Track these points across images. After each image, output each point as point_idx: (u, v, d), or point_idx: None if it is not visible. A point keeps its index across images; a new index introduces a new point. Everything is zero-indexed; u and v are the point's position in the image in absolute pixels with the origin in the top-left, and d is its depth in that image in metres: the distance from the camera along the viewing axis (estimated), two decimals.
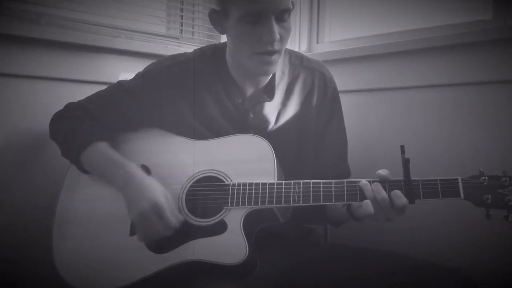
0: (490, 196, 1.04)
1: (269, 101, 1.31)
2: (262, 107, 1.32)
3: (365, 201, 1.08)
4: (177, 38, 1.96)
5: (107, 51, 1.64)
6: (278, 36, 1.16)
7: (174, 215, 1.16)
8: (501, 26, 1.52)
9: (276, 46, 1.19)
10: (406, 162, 1.06)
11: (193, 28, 2.01)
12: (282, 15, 1.17)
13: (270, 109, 1.33)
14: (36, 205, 1.48)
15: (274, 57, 1.20)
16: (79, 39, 1.58)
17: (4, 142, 1.47)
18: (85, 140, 1.27)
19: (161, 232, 1.15)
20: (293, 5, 1.20)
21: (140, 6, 1.83)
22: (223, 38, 1.54)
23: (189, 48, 1.51)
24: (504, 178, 1.04)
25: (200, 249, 1.14)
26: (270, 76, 1.32)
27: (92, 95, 1.39)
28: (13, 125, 1.49)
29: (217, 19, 1.24)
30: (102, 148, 1.27)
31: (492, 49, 1.49)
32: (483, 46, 1.51)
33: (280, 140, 1.28)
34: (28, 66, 1.50)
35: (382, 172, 1.09)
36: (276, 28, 1.16)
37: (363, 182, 1.09)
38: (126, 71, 1.64)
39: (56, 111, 1.39)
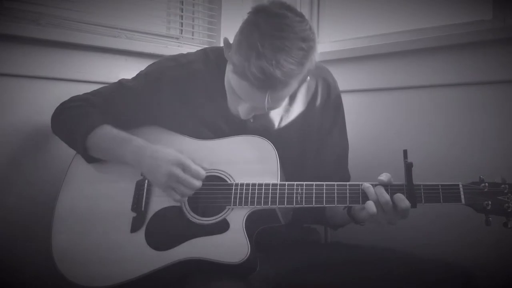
0: (490, 203, 1.06)
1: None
2: (263, 113, 1.31)
3: (368, 201, 1.08)
4: (177, 38, 1.96)
5: (107, 51, 1.64)
6: (269, 108, 1.15)
7: (198, 166, 1.16)
8: (501, 26, 1.52)
9: (267, 110, 1.17)
10: (408, 167, 1.07)
11: (193, 28, 2.01)
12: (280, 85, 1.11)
13: (273, 114, 1.32)
14: (36, 203, 1.48)
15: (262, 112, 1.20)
16: (79, 39, 1.58)
17: (4, 142, 1.47)
18: (90, 124, 1.27)
19: (195, 184, 1.15)
20: (305, 79, 1.17)
21: (140, 6, 1.83)
22: (223, 37, 1.53)
23: (188, 49, 1.52)
24: (503, 186, 1.07)
25: (202, 248, 1.14)
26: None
27: (93, 91, 1.39)
28: (13, 125, 1.49)
29: (227, 49, 1.20)
30: (106, 130, 1.27)
31: (492, 49, 1.49)
32: (483, 46, 1.51)
33: (281, 145, 1.27)
34: (28, 66, 1.49)
35: (384, 178, 1.10)
36: (268, 102, 1.11)
37: (366, 184, 1.09)
38: (126, 71, 1.64)
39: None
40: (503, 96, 1.49)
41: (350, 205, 1.13)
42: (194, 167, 1.16)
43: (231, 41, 1.18)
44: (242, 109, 1.17)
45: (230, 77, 1.15)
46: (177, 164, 1.15)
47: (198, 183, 1.16)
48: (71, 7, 1.65)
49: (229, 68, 1.16)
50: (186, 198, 1.20)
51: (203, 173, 1.16)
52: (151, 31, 1.87)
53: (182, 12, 1.99)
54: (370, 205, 1.07)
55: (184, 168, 1.15)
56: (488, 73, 1.51)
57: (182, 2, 1.98)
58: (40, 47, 1.51)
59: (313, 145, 1.36)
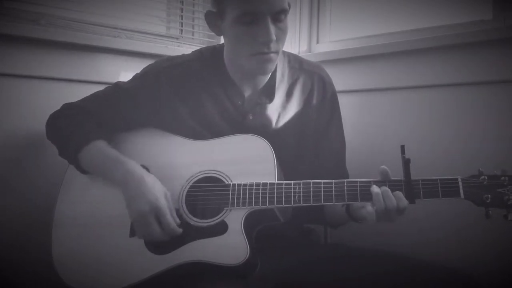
0: (489, 196, 1.05)
1: (269, 103, 1.31)
2: (261, 109, 1.32)
3: (369, 209, 1.08)
4: (177, 38, 1.96)
5: (107, 51, 1.64)
6: (274, 37, 1.16)
7: (174, 219, 1.16)
8: (501, 26, 1.52)
9: (273, 47, 1.18)
10: (406, 162, 1.07)
11: (193, 28, 2.01)
12: (278, 16, 1.16)
13: (270, 112, 1.32)
14: (36, 205, 1.48)
15: (272, 55, 1.20)
16: (79, 39, 1.58)
17: (4, 142, 1.47)
18: (82, 139, 1.26)
19: (160, 236, 1.15)
20: (289, 6, 1.20)
21: (140, 6, 1.83)
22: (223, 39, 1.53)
23: (189, 48, 1.52)
24: (503, 178, 1.06)
25: (201, 250, 1.13)
26: (269, 76, 1.31)
27: (89, 95, 1.39)
28: (12, 125, 1.49)
29: (214, 21, 1.24)
30: (100, 146, 1.26)
31: (492, 49, 1.49)
32: (483, 46, 1.51)
33: (279, 142, 1.28)
34: (28, 66, 1.49)
35: (386, 168, 1.10)
36: (272, 29, 1.15)
37: (376, 190, 1.08)
38: (126, 71, 1.64)
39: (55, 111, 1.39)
40: (503, 96, 1.49)
41: (348, 202, 1.12)
42: (167, 220, 1.14)
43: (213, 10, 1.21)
44: (262, 32, 1.15)
45: (234, 28, 1.17)
46: (154, 208, 1.14)
47: (163, 236, 1.15)
48: (71, 7, 1.65)
49: (229, 25, 1.18)
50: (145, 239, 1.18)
51: (173, 228, 1.15)
52: (151, 31, 1.87)
53: (182, 12, 1.98)
54: (371, 215, 1.08)
55: (158, 215, 1.14)
56: (488, 73, 1.50)
57: (182, 2, 1.98)
58: (40, 47, 1.51)
59: (311, 142, 1.36)
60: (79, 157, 1.26)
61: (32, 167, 1.52)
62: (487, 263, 1.43)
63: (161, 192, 1.17)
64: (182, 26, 1.98)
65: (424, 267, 1.17)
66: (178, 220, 1.17)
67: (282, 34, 1.20)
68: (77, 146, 1.26)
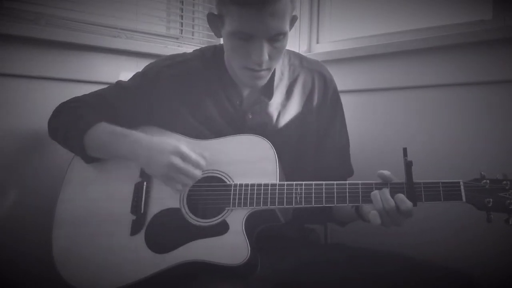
0: (491, 200, 1.04)
1: (268, 101, 1.31)
2: (261, 108, 1.32)
3: (372, 212, 1.08)
4: (177, 38, 1.96)
5: (107, 51, 1.64)
6: (266, 58, 1.16)
7: (198, 155, 1.15)
8: (501, 26, 1.52)
9: (265, 65, 1.18)
10: (408, 165, 1.06)
11: (193, 28, 2.01)
12: (274, 38, 1.16)
13: (270, 110, 1.32)
14: (36, 205, 1.47)
15: (262, 73, 1.20)
16: (79, 39, 1.58)
17: (3, 142, 1.47)
18: (86, 123, 1.26)
19: (195, 174, 1.14)
20: (292, 22, 1.20)
21: (140, 6, 1.83)
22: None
23: (189, 48, 1.51)
24: (505, 182, 1.05)
25: (201, 250, 1.13)
26: (268, 77, 1.31)
27: (91, 93, 1.39)
28: (12, 125, 1.48)
29: (214, 23, 1.23)
30: (103, 127, 1.26)
31: (492, 49, 1.49)
32: (483, 46, 1.51)
33: (280, 141, 1.28)
34: (28, 66, 1.49)
35: (385, 172, 1.09)
36: (266, 49, 1.15)
37: (374, 192, 1.09)
38: (126, 71, 1.64)
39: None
40: (503, 96, 1.49)
41: (349, 204, 1.12)
42: (194, 156, 1.14)
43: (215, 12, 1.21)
44: (256, 51, 1.15)
45: (230, 40, 1.17)
46: (176, 153, 1.14)
47: (198, 173, 1.15)
48: (71, 7, 1.65)
49: (226, 34, 1.18)
50: (187, 189, 1.19)
51: (202, 162, 1.15)
52: (151, 31, 1.87)
53: (182, 12, 1.98)
54: (375, 217, 1.07)
55: (184, 157, 1.14)
56: (488, 73, 1.51)
57: (182, 2, 1.98)
58: (40, 47, 1.50)
59: (313, 141, 1.36)
60: (85, 141, 1.25)
61: (32, 167, 1.52)
62: (487, 263, 1.43)
63: (174, 141, 1.16)
64: (182, 26, 1.98)
65: (424, 267, 1.17)
66: (205, 154, 1.17)
67: (277, 53, 1.19)
68: (81, 131, 1.25)
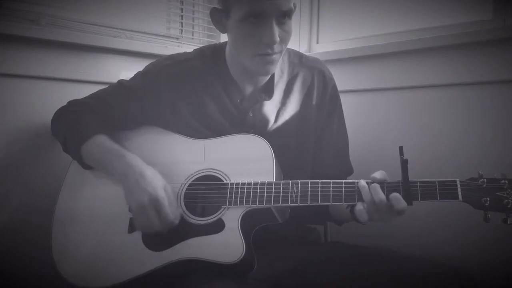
0: (488, 199, 1.03)
1: (268, 100, 1.32)
2: (261, 106, 1.32)
3: (359, 209, 1.08)
4: (177, 38, 1.96)
5: (107, 51, 1.64)
6: (278, 39, 1.16)
7: (173, 212, 1.15)
8: (501, 26, 1.52)
9: (276, 48, 1.18)
10: (404, 163, 1.06)
11: (193, 28, 2.01)
12: (283, 17, 1.17)
13: (269, 108, 1.33)
14: (36, 204, 1.48)
15: (274, 57, 1.20)
16: (79, 39, 1.58)
17: (4, 142, 1.47)
18: (84, 134, 1.27)
19: (158, 228, 1.15)
20: (294, 6, 1.20)
21: (140, 6, 1.83)
22: (223, 38, 1.53)
23: (189, 48, 1.51)
24: (503, 181, 1.04)
25: (197, 248, 1.14)
26: (270, 75, 1.32)
27: (93, 93, 1.40)
28: (12, 125, 1.49)
29: (219, 18, 1.24)
30: (101, 140, 1.27)
31: (492, 49, 1.49)
32: (483, 46, 1.51)
33: (280, 139, 1.28)
34: (28, 66, 1.50)
35: (378, 175, 1.09)
36: (276, 30, 1.16)
37: (362, 183, 1.09)
38: (126, 71, 1.64)
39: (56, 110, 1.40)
40: (503, 96, 1.49)
41: (345, 203, 1.12)
42: (165, 210, 1.14)
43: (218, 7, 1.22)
44: (266, 33, 1.15)
45: (238, 28, 1.17)
46: (152, 199, 1.14)
47: (161, 228, 1.14)
48: (71, 7, 1.65)
49: (234, 23, 1.18)
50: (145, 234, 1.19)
51: (172, 220, 1.14)
52: (151, 31, 1.87)
53: (182, 12, 1.99)
54: (362, 213, 1.08)
55: (157, 206, 1.14)
56: (488, 73, 1.51)
57: (182, 2, 1.98)
58: (40, 47, 1.51)
59: (312, 138, 1.36)
60: (82, 152, 1.27)
61: (32, 167, 1.52)
62: (487, 263, 1.43)
63: (160, 184, 1.16)
64: (182, 26, 1.99)
65: (424, 267, 1.17)
66: (178, 211, 1.17)
67: (286, 35, 1.20)
68: (79, 141, 1.27)
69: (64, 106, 1.39)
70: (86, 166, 1.30)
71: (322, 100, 1.37)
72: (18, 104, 1.49)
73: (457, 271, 1.14)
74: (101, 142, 1.27)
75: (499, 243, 1.43)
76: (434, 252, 1.46)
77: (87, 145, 1.26)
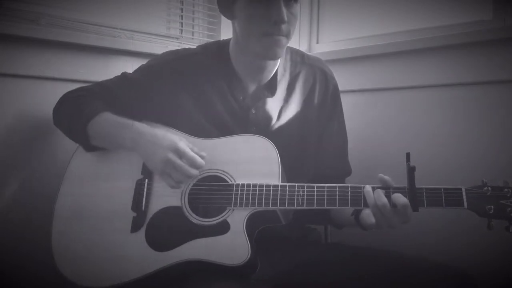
0: (493, 207, 1.05)
1: (271, 97, 1.32)
2: (263, 104, 1.32)
3: (366, 211, 1.08)
4: (177, 38, 1.96)
5: (107, 51, 1.64)
6: (286, 18, 1.17)
7: (196, 154, 1.16)
8: (501, 26, 1.52)
9: (284, 29, 1.19)
10: (411, 170, 1.06)
11: (193, 28, 2.01)
12: (289, 0, 1.18)
13: (272, 106, 1.33)
14: (35, 203, 1.47)
15: (282, 39, 1.21)
16: (79, 39, 1.57)
17: (3, 142, 1.47)
18: (92, 111, 1.27)
19: (190, 172, 1.15)
20: None
21: (140, 6, 1.83)
22: (223, 37, 1.53)
23: None
24: (506, 189, 1.06)
25: (202, 249, 1.13)
26: (273, 72, 1.32)
27: (96, 83, 1.40)
28: (12, 125, 1.48)
29: (226, 3, 1.24)
30: (107, 116, 1.26)
31: (492, 49, 1.49)
32: (483, 46, 1.51)
33: (282, 137, 1.28)
34: (28, 66, 1.49)
35: (386, 176, 1.10)
36: (284, 10, 1.17)
37: (367, 188, 1.09)
38: (126, 71, 1.64)
39: None
40: (503, 96, 1.49)
41: (351, 207, 1.12)
42: (190, 154, 1.15)
43: None
44: (275, 11, 1.16)
45: (246, 9, 1.19)
46: (174, 150, 1.15)
47: (193, 171, 1.15)
48: (71, 7, 1.65)
49: (238, 18, 1.21)
50: (183, 186, 1.19)
51: (199, 161, 1.16)
52: (151, 31, 1.87)
53: (182, 12, 1.98)
54: (368, 216, 1.09)
55: (180, 154, 1.15)
56: (488, 73, 1.51)
57: (182, 2, 1.98)
58: (40, 47, 1.50)
59: (313, 137, 1.37)
60: (88, 129, 1.26)
61: (31, 167, 1.52)
62: (487, 263, 1.43)
63: (175, 137, 1.18)
64: (182, 26, 1.98)
65: (424, 267, 1.17)
66: (203, 153, 1.17)
67: (293, 18, 1.21)
68: (86, 119, 1.26)
69: (67, 92, 1.38)
70: (91, 148, 1.28)
71: (324, 100, 1.38)
72: (18, 104, 1.49)
73: (457, 272, 1.14)
74: (108, 117, 1.26)
75: (499, 243, 1.43)
76: (434, 252, 1.46)
77: (94, 123, 1.25)
